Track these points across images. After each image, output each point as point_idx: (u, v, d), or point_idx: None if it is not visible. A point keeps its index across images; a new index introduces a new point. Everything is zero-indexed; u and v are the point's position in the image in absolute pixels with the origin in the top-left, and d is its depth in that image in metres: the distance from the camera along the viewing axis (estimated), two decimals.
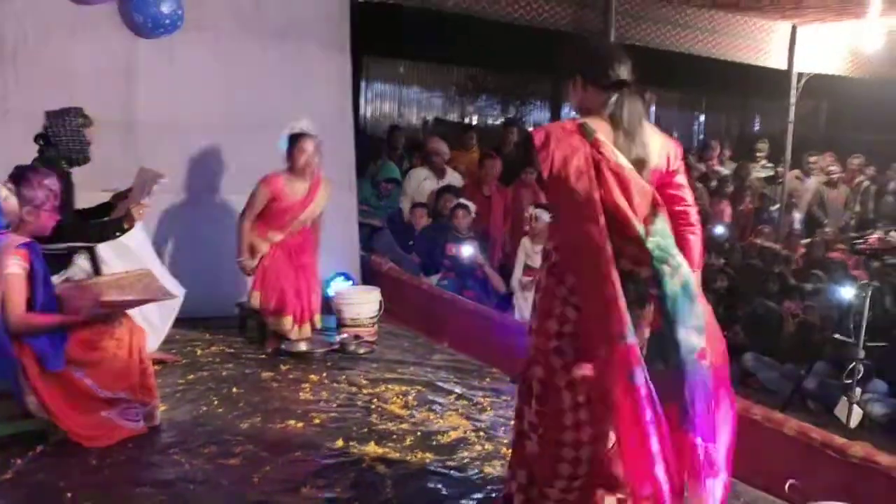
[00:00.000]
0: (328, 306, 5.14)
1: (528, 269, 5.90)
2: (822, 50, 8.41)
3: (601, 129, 2.43)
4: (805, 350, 5.83)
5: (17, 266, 3.07)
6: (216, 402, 3.83)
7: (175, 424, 3.53)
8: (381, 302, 5.22)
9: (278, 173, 4.64)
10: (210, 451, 3.27)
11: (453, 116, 11.66)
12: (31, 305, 3.13)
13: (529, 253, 5.91)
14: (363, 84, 10.45)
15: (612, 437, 2.55)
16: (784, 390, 5.62)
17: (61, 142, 3.79)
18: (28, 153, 3.85)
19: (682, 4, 7.68)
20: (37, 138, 3.88)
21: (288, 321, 4.65)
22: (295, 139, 4.62)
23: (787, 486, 2.63)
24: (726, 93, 12.57)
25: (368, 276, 5.89)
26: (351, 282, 5.62)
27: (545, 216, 5.66)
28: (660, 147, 2.52)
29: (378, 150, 7.85)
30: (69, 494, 2.85)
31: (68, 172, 3.85)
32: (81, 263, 3.86)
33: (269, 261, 4.66)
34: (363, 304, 5.16)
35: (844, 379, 4.83)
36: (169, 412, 3.64)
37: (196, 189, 5.18)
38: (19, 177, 3.24)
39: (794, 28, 8.28)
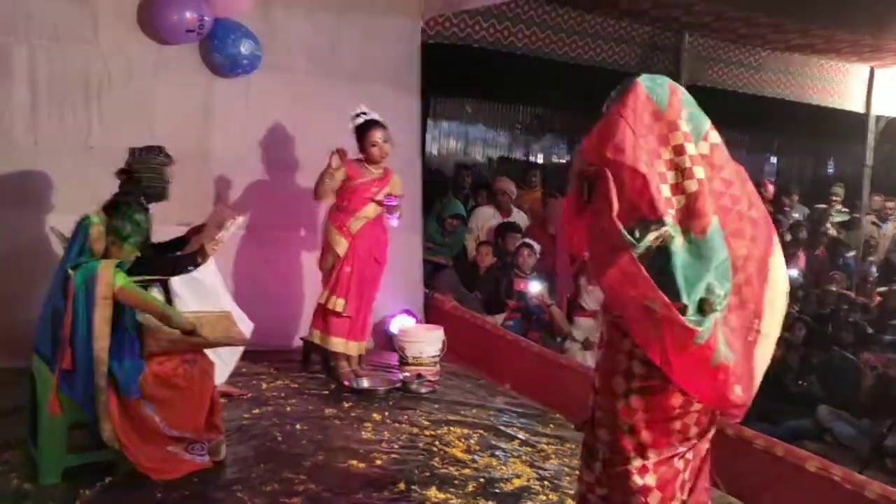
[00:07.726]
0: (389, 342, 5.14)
1: (579, 310, 5.97)
2: None
3: None
4: (884, 405, 5.56)
5: (122, 278, 3.18)
6: (279, 439, 3.84)
7: (239, 460, 3.55)
8: (443, 341, 5.20)
9: (351, 160, 4.70)
10: (273, 489, 3.27)
11: (518, 155, 11.64)
12: (113, 325, 3.20)
13: (584, 289, 5.93)
14: (430, 122, 10.55)
15: (681, 497, 2.45)
16: (860, 447, 5.35)
17: (143, 178, 3.87)
18: (109, 187, 3.94)
19: (755, 47, 7.59)
20: (119, 173, 4.00)
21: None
22: (364, 130, 4.66)
23: None
24: (799, 134, 12.27)
25: (431, 314, 5.89)
26: (414, 320, 5.62)
27: None
28: None
29: (443, 188, 7.88)
30: None
31: (146, 208, 3.95)
32: (155, 295, 3.93)
33: (350, 266, 4.68)
34: (426, 342, 5.16)
35: None
36: (234, 447, 3.66)
37: (265, 224, 5.27)
38: (113, 207, 3.32)
39: (872, 71, 8.09)
